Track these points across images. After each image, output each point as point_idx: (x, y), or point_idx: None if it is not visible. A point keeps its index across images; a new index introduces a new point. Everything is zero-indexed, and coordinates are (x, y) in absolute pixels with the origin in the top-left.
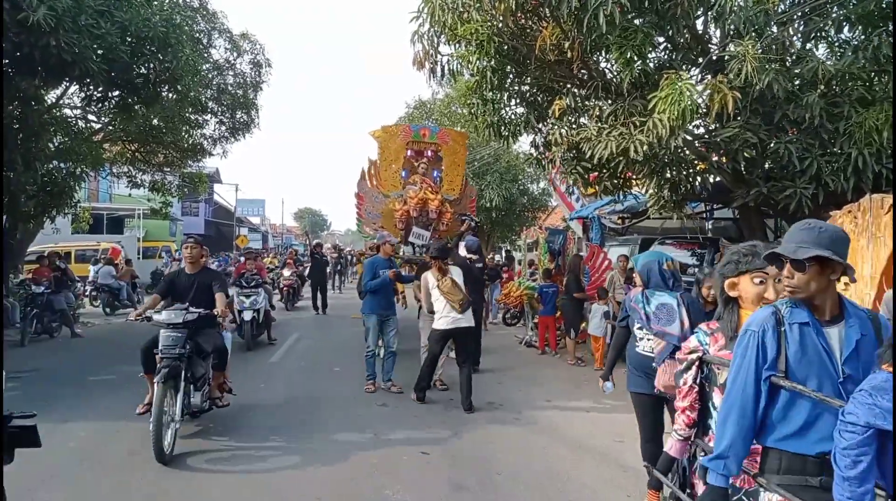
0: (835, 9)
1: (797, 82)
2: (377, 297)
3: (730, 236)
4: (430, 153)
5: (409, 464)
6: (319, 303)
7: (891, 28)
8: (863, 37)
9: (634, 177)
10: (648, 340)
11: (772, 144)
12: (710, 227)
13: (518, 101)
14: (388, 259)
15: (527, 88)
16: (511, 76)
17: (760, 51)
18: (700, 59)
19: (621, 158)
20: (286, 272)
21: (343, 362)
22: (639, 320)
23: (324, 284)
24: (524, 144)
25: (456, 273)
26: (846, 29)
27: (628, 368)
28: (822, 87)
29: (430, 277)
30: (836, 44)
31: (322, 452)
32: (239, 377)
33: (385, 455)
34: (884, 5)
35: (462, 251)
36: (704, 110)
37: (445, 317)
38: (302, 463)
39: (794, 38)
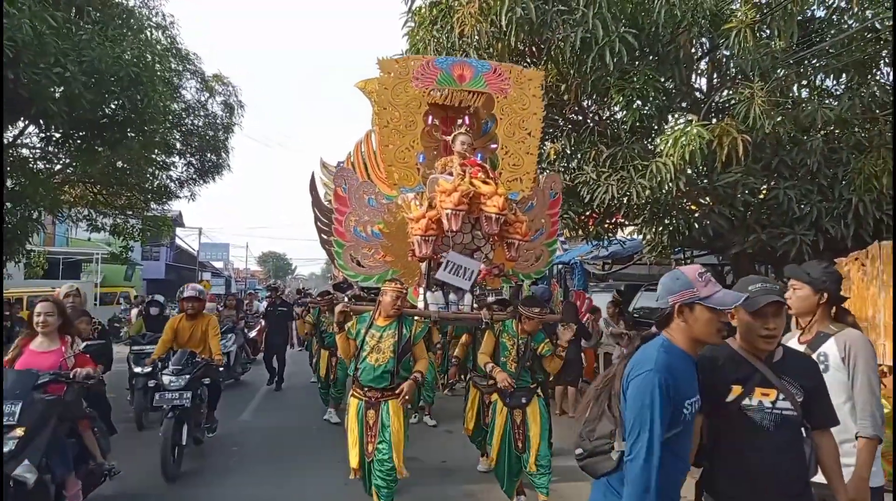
0: (823, 59)
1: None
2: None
3: None
4: (465, 118)
5: None
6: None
7: (881, 74)
8: (852, 84)
9: (630, 222)
10: None
11: (768, 190)
12: None
13: None
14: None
15: None
16: None
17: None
18: (685, 104)
19: (622, 203)
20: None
21: (318, 419)
22: None
23: (283, 347)
24: None
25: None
26: (830, 78)
27: None
28: (822, 132)
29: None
30: (817, 91)
31: None
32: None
33: None
34: (874, 51)
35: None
36: (710, 155)
37: None
38: None
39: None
